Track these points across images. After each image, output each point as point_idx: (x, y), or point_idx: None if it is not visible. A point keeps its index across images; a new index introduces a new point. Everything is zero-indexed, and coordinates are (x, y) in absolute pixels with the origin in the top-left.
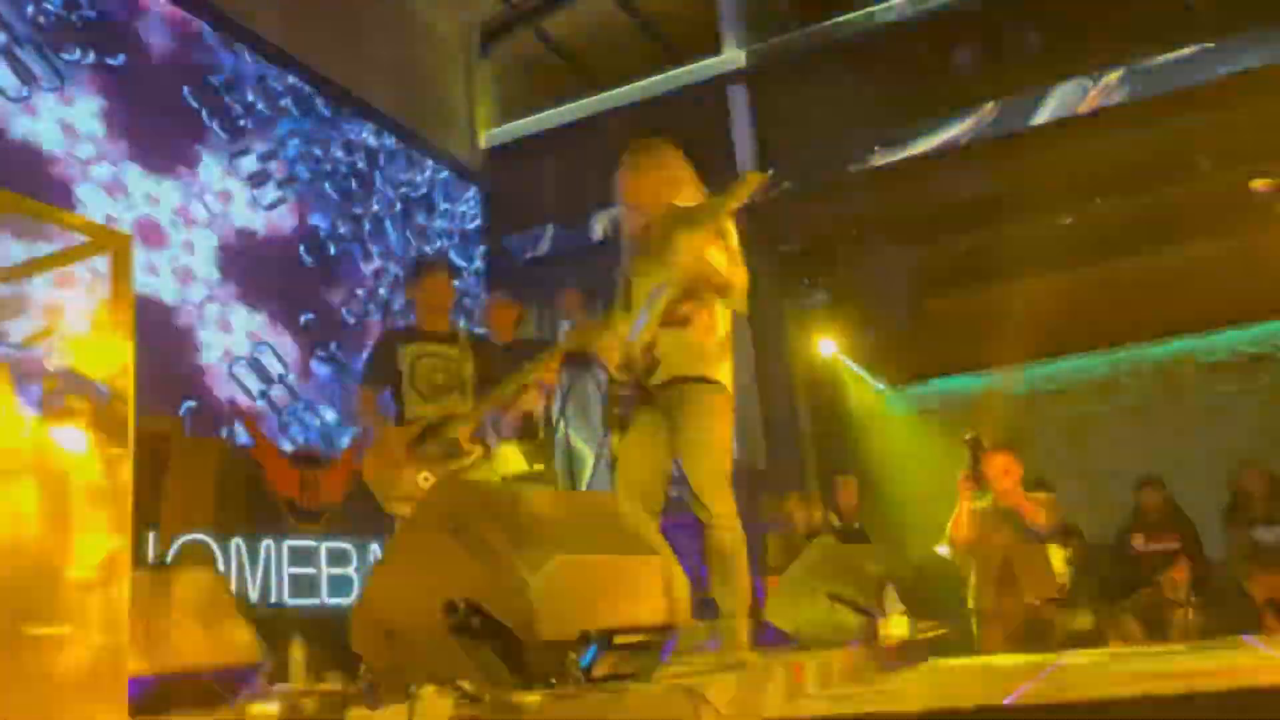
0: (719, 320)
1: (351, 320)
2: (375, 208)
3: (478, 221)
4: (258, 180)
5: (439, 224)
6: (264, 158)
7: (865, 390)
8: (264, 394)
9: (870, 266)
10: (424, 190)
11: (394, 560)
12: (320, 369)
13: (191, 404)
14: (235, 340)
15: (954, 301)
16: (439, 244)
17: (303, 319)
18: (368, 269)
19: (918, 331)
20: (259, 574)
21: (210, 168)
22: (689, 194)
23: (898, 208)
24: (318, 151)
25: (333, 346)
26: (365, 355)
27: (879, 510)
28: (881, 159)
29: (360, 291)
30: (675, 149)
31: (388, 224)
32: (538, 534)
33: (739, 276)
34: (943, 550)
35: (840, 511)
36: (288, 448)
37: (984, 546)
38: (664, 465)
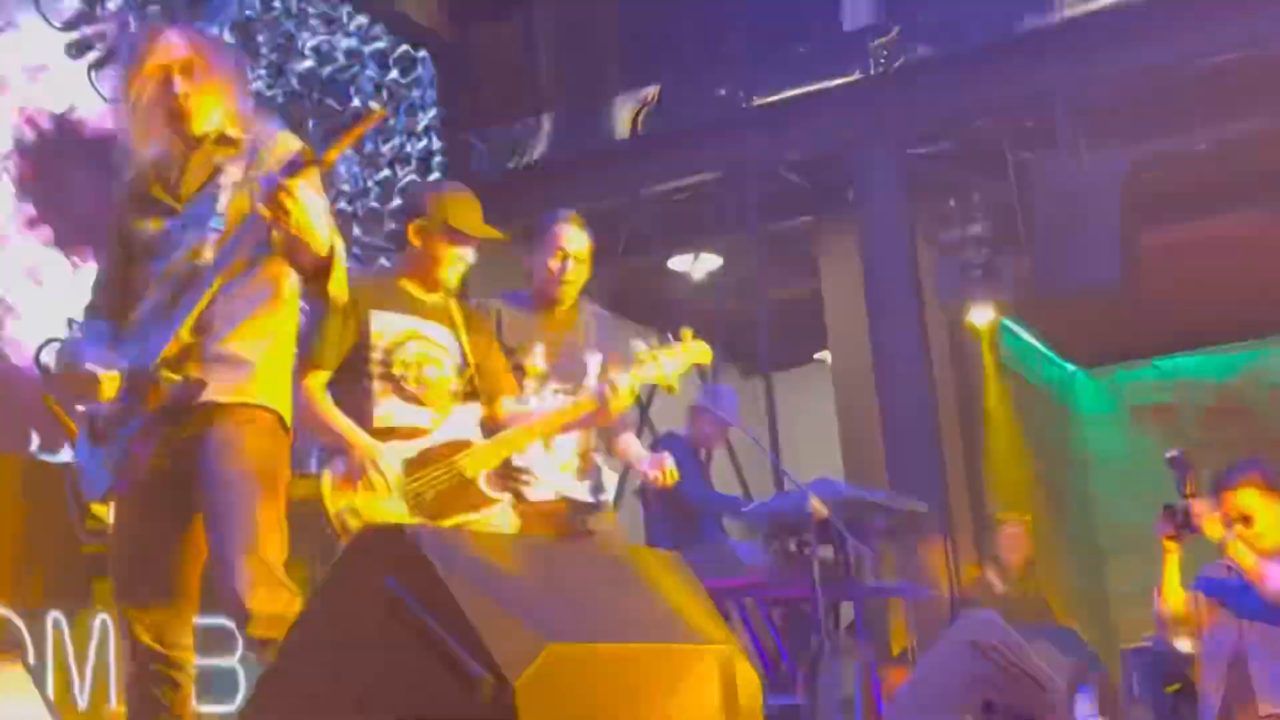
0: None
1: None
2: (269, 91)
3: (431, 111)
4: (79, 46)
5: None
6: (86, 11)
7: (1045, 375)
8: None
9: (1051, 176)
10: (345, 63)
11: (301, 650)
12: None
13: None
14: (48, 298)
15: (1187, 233)
16: (371, 148)
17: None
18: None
19: (1128, 283)
20: (88, 666)
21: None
22: None
23: (1098, 83)
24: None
25: None
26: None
27: (1066, 566)
28: (1075, 7)
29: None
30: None
31: (286, 118)
32: (522, 608)
33: None
34: (1153, 640)
35: (1005, 568)
36: None
37: (1206, 630)
38: None
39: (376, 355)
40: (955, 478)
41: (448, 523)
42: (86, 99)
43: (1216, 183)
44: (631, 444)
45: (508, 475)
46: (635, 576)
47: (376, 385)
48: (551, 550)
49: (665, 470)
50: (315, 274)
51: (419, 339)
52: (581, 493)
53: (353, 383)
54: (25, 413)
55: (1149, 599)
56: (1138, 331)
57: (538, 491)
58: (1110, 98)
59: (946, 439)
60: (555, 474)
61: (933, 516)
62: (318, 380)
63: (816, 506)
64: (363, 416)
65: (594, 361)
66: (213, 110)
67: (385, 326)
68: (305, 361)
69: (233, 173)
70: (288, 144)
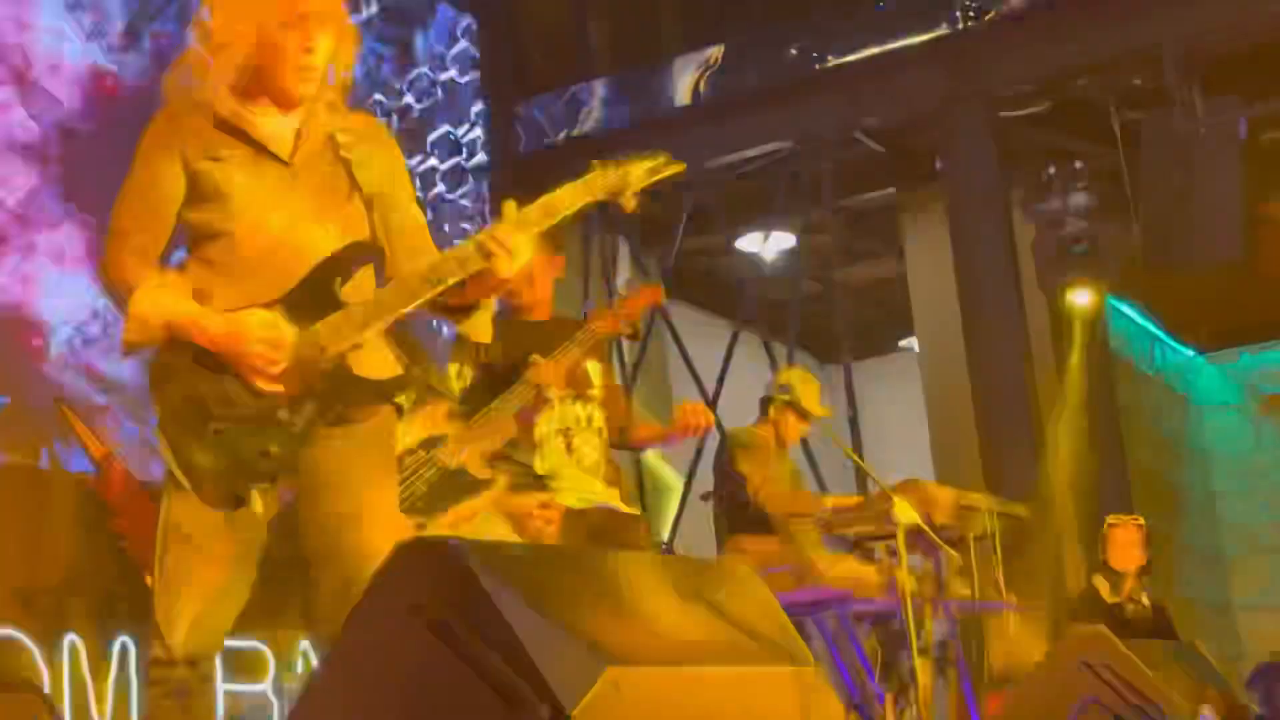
0: None
1: None
2: None
3: (471, 75)
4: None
5: (412, 82)
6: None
7: (1159, 361)
8: (117, 386)
9: (1162, 139)
10: (379, 26)
11: (335, 675)
12: None
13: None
14: (68, 293)
15: None
16: (405, 120)
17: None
18: None
19: (1250, 257)
20: (109, 692)
21: None
22: None
23: (1212, 33)
24: None
25: None
26: None
27: (1186, 573)
28: None
29: None
30: None
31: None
32: (579, 628)
33: None
34: None
35: (1116, 577)
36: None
37: None
38: None
39: None
40: (1060, 477)
41: (446, 519)
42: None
43: None
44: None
45: (529, 483)
46: (701, 591)
47: None
48: (608, 563)
49: (699, 411)
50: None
51: None
52: (615, 501)
53: None
54: (42, 413)
55: (1277, 607)
56: (1263, 310)
57: (568, 497)
58: (1226, 50)
59: (1046, 428)
60: (582, 479)
61: (1034, 520)
62: None
63: (904, 511)
64: None
65: None
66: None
67: None
68: None
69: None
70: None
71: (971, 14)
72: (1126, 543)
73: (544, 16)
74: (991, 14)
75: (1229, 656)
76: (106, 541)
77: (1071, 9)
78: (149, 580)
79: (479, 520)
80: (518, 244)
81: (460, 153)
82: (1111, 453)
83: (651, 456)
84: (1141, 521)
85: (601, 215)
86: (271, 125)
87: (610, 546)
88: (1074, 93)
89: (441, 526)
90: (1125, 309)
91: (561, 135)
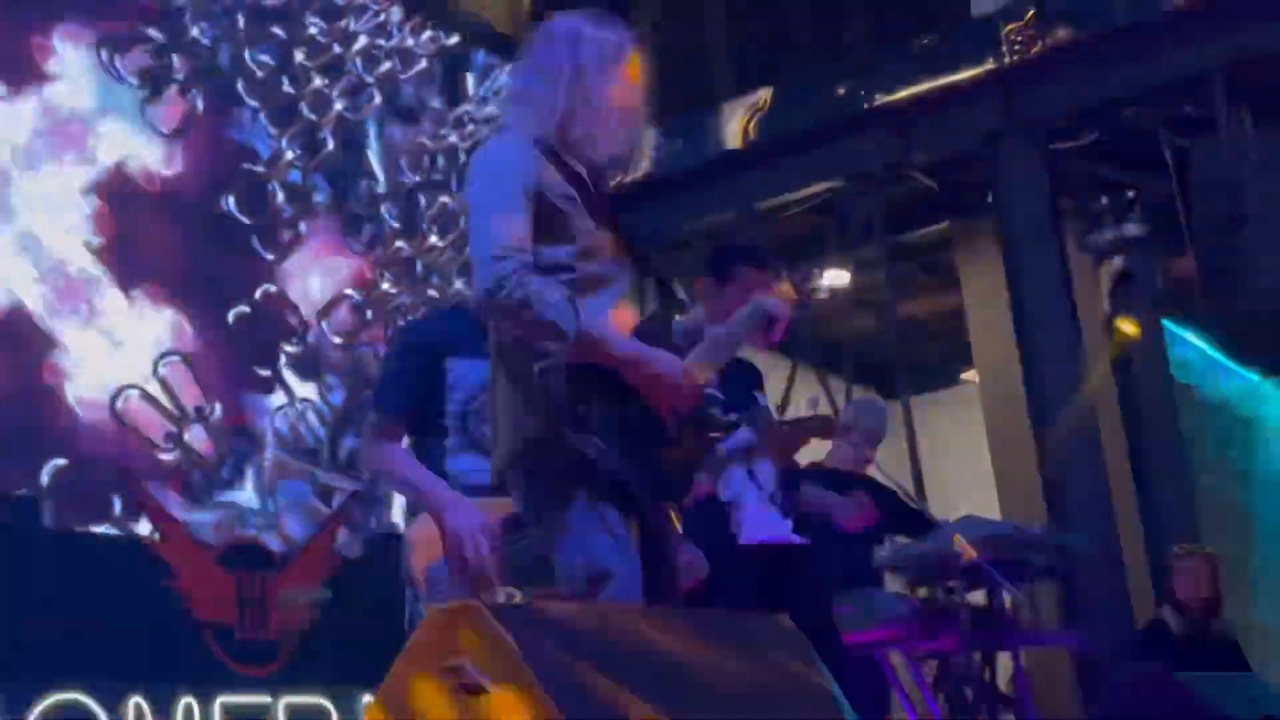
0: None
1: (327, 322)
2: (349, 115)
3: None
4: (148, 81)
5: (458, 119)
6: (157, 48)
7: (1223, 386)
8: (173, 444)
9: (1213, 166)
10: (432, 77)
11: None
12: (263, 400)
13: (58, 464)
14: (120, 353)
15: None
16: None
17: (233, 315)
18: (337, 215)
19: None
20: None
21: (70, 64)
22: None
23: (1260, 60)
24: (242, 28)
25: (284, 358)
26: (386, 365)
27: (1259, 602)
28: None
29: (333, 258)
30: None
31: (372, 139)
32: (615, 697)
33: None
34: None
35: (1184, 608)
36: (212, 538)
37: None
38: None
39: (453, 407)
40: (1124, 508)
41: (542, 592)
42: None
43: None
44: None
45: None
46: (748, 650)
47: (455, 441)
48: (653, 623)
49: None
50: None
51: None
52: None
53: (429, 436)
54: (97, 474)
55: None
56: None
57: (750, 531)
58: (1275, 76)
59: (1111, 465)
60: (766, 509)
61: (1099, 553)
62: (403, 432)
63: (963, 547)
64: (439, 473)
65: None
66: None
67: (464, 373)
68: (398, 408)
69: None
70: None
71: (1018, 48)
72: (1194, 573)
73: None
74: (1038, 46)
75: None
76: (169, 602)
77: (1118, 39)
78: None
79: None
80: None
81: None
82: (1177, 481)
83: None
84: (1210, 551)
85: (656, 261)
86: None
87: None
88: (1123, 122)
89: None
90: (1186, 335)
91: (614, 182)
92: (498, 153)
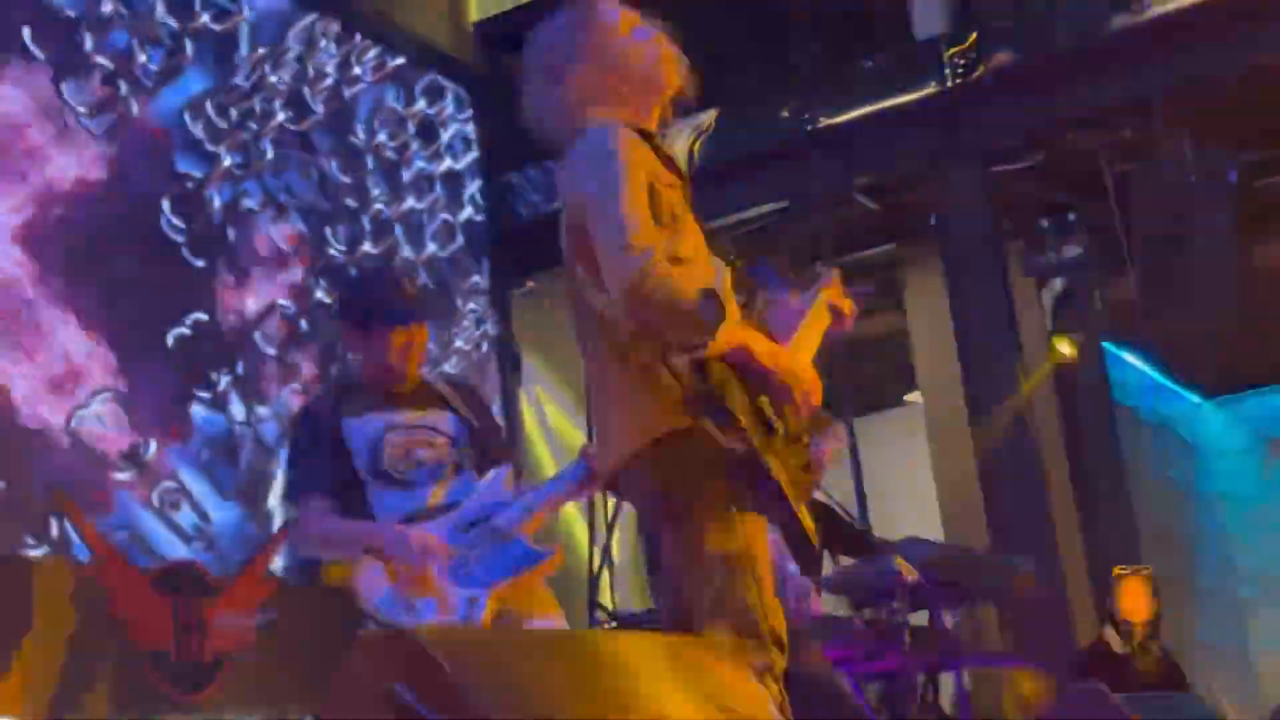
0: None
1: (259, 333)
2: (291, 136)
3: (471, 153)
4: (89, 96)
5: (412, 159)
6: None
7: (1165, 408)
8: (120, 464)
9: (1153, 190)
10: (374, 100)
11: None
12: (207, 421)
13: None
14: (55, 376)
15: None
16: (410, 200)
17: (172, 335)
18: (281, 239)
19: (1246, 304)
20: None
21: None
22: None
23: (1199, 85)
24: (186, 41)
25: (225, 382)
26: (293, 439)
27: (1200, 621)
28: (1168, 2)
29: (272, 282)
30: None
31: (321, 155)
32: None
33: None
34: None
35: (1125, 628)
36: (148, 562)
37: None
38: None
39: (361, 461)
40: (1066, 529)
41: (502, 588)
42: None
43: None
44: None
45: None
46: (687, 673)
47: (372, 486)
48: (589, 646)
49: None
50: None
51: (396, 429)
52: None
53: (349, 496)
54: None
55: None
56: (1266, 354)
57: None
58: (1214, 100)
59: (1053, 486)
60: None
61: (1041, 574)
62: (325, 504)
63: (904, 568)
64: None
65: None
66: None
67: (357, 431)
68: (310, 487)
69: None
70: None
71: (960, 71)
72: (1134, 593)
73: None
74: (980, 70)
75: (1247, 701)
76: (107, 628)
77: (1059, 63)
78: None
79: (523, 593)
80: None
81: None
82: (1117, 502)
83: None
84: (1149, 571)
85: None
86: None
87: None
88: (1064, 147)
89: (491, 601)
90: (1126, 357)
91: (557, 202)
92: (607, 140)
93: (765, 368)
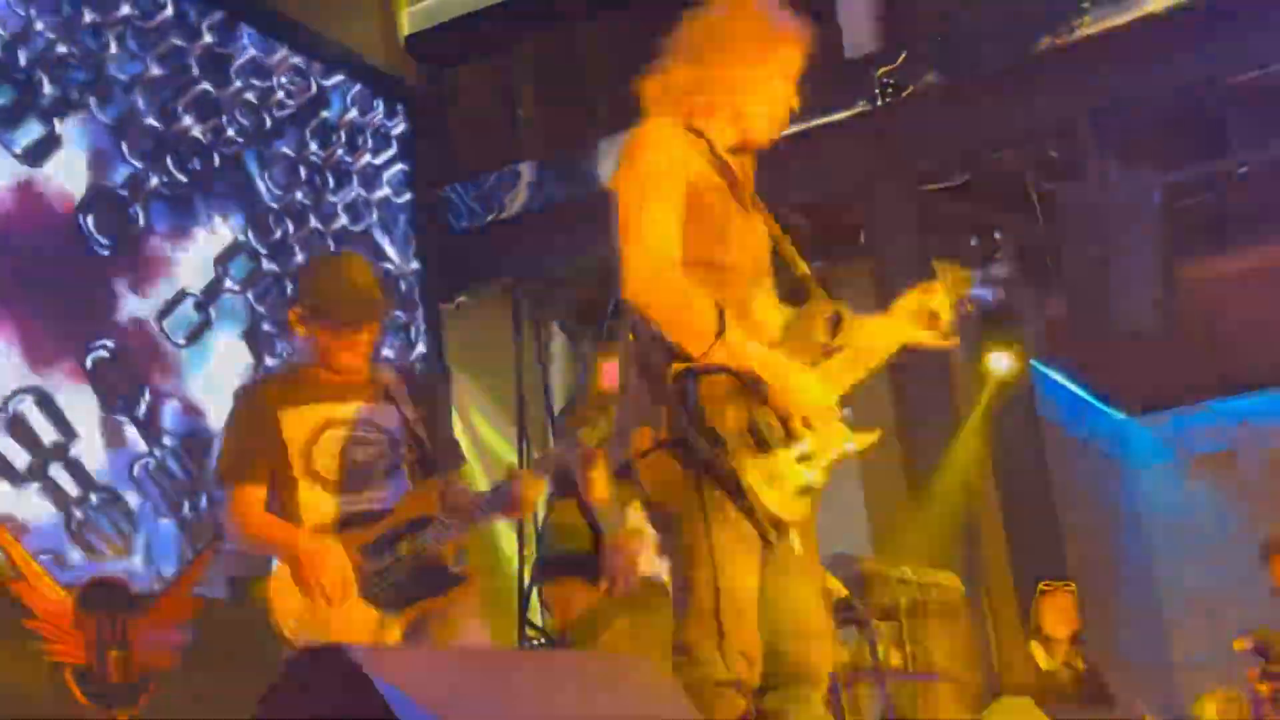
0: None
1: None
2: (222, 150)
3: (399, 164)
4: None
5: (342, 172)
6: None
7: (1090, 425)
8: (31, 477)
9: (1080, 208)
10: (304, 112)
11: None
12: (129, 432)
13: None
14: None
15: (1235, 263)
16: (340, 213)
17: (93, 349)
18: (212, 250)
19: (1172, 321)
20: None
21: None
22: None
23: (1125, 106)
24: (112, 52)
25: (147, 395)
26: (231, 419)
27: (1123, 636)
28: (1094, 25)
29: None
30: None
31: (251, 169)
32: None
33: None
34: None
35: (1050, 643)
36: (69, 577)
37: None
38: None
39: (294, 456)
40: (993, 545)
41: (413, 610)
42: None
43: (1262, 207)
44: None
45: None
46: (612, 690)
47: (301, 484)
48: (524, 664)
49: None
50: None
51: (335, 425)
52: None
53: (281, 490)
54: None
55: (1219, 667)
56: (1191, 373)
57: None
58: (1140, 121)
59: (981, 503)
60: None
61: (968, 590)
62: (257, 494)
63: (832, 584)
64: (297, 520)
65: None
66: None
67: (297, 422)
68: (242, 474)
69: None
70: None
71: (890, 90)
72: (1059, 609)
73: (474, 100)
74: (909, 89)
75: (1170, 716)
76: (26, 647)
77: (987, 83)
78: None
79: (451, 616)
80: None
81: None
82: (1044, 519)
83: None
84: (1073, 587)
85: (532, 299)
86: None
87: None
88: (992, 166)
89: (401, 624)
90: (1053, 376)
91: (489, 217)
92: (647, 138)
93: (768, 384)
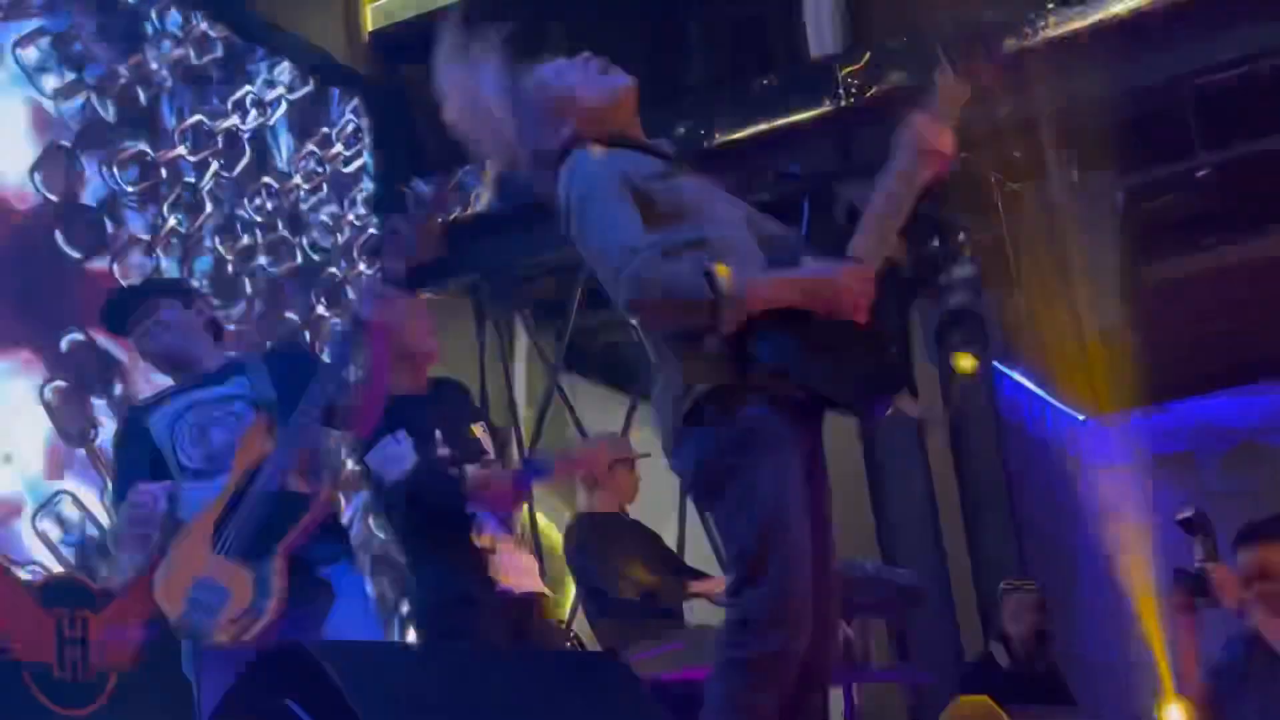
0: None
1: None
2: (180, 149)
3: (360, 159)
4: None
5: (303, 169)
6: None
7: (1050, 425)
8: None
9: (1042, 210)
10: (266, 110)
11: None
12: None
13: None
14: None
15: (1195, 265)
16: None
17: (65, 343)
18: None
19: (1132, 323)
20: None
21: None
22: None
23: (1087, 108)
24: (75, 49)
25: (118, 390)
26: (115, 439)
27: (1086, 636)
28: (1058, 27)
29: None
30: None
31: (212, 170)
32: None
33: None
34: None
35: (1013, 643)
36: (30, 576)
37: None
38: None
39: (165, 457)
40: (955, 545)
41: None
42: None
43: (1223, 209)
44: None
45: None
46: (570, 689)
47: (179, 485)
48: (478, 662)
49: None
50: None
51: (194, 408)
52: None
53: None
54: None
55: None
56: (1149, 374)
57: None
58: (1101, 123)
59: (941, 502)
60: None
61: (930, 589)
62: None
63: None
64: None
65: None
66: None
67: (160, 421)
68: None
69: None
70: None
71: (854, 90)
72: (1021, 608)
73: (433, 96)
74: (873, 90)
75: (1130, 717)
76: None
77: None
78: None
79: None
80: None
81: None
82: (1004, 518)
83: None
84: (1034, 586)
85: (494, 296)
86: None
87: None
88: (956, 166)
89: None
90: (1014, 376)
91: (452, 214)
92: (581, 166)
93: (805, 309)
